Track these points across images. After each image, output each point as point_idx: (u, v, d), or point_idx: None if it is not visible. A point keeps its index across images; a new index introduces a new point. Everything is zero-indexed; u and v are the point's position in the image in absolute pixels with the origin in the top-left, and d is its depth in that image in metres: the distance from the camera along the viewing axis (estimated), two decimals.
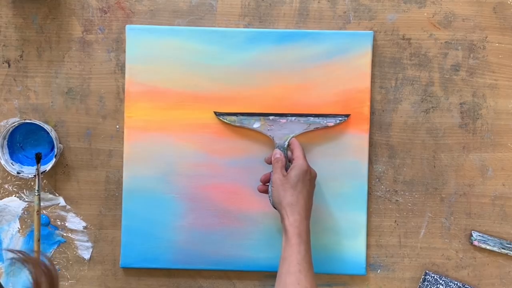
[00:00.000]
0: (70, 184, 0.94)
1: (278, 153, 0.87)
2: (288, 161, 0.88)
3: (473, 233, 0.93)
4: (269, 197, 0.87)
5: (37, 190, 0.86)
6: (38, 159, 0.87)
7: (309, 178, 0.84)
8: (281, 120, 0.90)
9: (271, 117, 0.90)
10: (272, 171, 0.87)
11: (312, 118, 0.90)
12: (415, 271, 0.94)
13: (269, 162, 0.89)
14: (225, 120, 0.90)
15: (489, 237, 0.93)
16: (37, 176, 0.87)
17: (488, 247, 0.93)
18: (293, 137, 0.89)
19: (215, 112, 0.91)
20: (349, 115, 0.91)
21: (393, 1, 0.93)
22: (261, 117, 0.90)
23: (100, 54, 0.93)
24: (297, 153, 0.86)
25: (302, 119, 0.90)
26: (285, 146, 0.89)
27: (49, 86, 0.93)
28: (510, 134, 0.93)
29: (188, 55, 0.91)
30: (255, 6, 0.93)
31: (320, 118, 0.90)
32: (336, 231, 0.91)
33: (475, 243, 0.93)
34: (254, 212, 0.92)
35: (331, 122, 0.90)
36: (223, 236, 0.92)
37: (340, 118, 0.90)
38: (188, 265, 0.92)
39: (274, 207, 0.85)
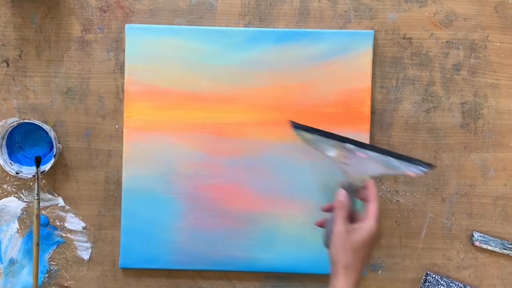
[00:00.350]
0: (69, 184, 0.93)
1: (342, 196, 0.76)
2: (355, 196, 0.78)
3: (474, 234, 0.92)
4: (324, 236, 0.79)
5: (37, 194, 0.86)
6: (38, 162, 0.86)
7: (375, 244, 0.76)
8: (360, 154, 0.80)
9: (347, 145, 0.80)
10: (333, 216, 0.77)
11: (393, 160, 0.79)
12: (416, 272, 0.94)
13: (327, 210, 0.80)
14: (299, 136, 0.83)
15: (490, 238, 0.92)
16: (36, 180, 0.86)
17: (489, 248, 0.92)
18: (368, 178, 0.78)
19: (291, 122, 0.84)
20: (433, 166, 0.79)
21: (394, 0, 0.93)
22: (338, 143, 0.81)
23: (100, 53, 0.93)
24: (372, 211, 0.75)
25: (382, 158, 0.79)
26: (358, 186, 0.78)
27: (48, 85, 0.93)
28: (511, 134, 0.93)
29: (187, 55, 0.91)
30: (255, 5, 0.92)
31: (403, 163, 0.79)
32: None
33: (476, 243, 0.92)
34: (254, 212, 0.91)
35: (413, 171, 0.78)
36: (223, 237, 0.91)
37: (424, 169, 0.78)
38: (188, 266, 0.92)
39: (326, 248, 0.78)
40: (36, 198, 0.86)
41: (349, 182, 0.79)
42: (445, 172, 0.93)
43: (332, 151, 0.80)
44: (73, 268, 0.94)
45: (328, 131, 0.83)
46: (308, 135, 0.82)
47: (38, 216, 0.86)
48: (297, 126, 0.84)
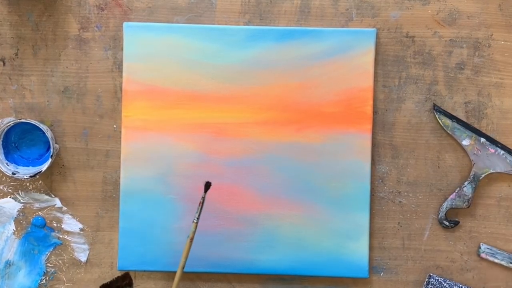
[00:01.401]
0: (66, 185, 0.93)
1: None
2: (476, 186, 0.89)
3: (481, 246, 0.91)
4: None
5: (197, 218, 0.83)
6: (207, 187, 0.84)
7: None
8: (490, 149, 0.89)
9: (482, 139, 0.89)
10: None
11: None
12: (419, 274, 0.93)
13: None
14: (439, 120, 0.89)
15: (497, 251, 0.91)
16: (200, 204, 0.83)
17: (496, 261, 0.91)
18: (492, 173, 0.89)
19: (434, 104, 0.90)
20: None
21: None
22: (474, 135, 0.89)
23: (97, 52, 0.92)
24: None
25: (510, 157, 0.89)
26: (478, 179, 0.89)
27: (45, 84, 0.92)
28: None
29: (187, 53, 0.90)
30: (256, 3, 0.92)
31: None
32: (338, 233, 0.90)
33: (483, 255, 0.91)
34: (254, 213, 0.91)
35: None
36: (222, 238, 0.91)
37: None
38: (186, 268, 0.89)
39: None
40: (195, 221, 0.83)
41: (474, 171, 0.88)
42: (449, 173, 0.92)
43: (467, 140, 0.88)
44: (70, 271, 0.93)
45: (466, 122, 0.90)
46: (448, 121, 0.89)
47: (192, 238, 0.83)
48: (438, 110, 0.89)
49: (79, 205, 0.93)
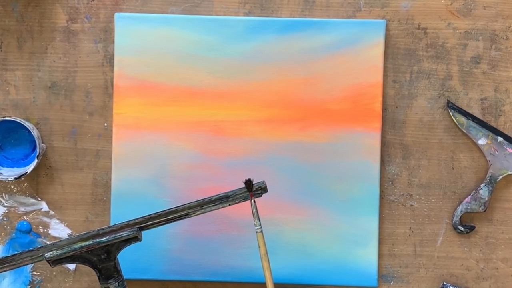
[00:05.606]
0: (53, 187, 0.91)
1: None
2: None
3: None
4: None
5: (259, 226, 0.77)
6: (249, 186, 0.77)
7: None
8: (508, 149, 0.87)
9: (499, 139, 0.87)
10: None
11: None
12: (431, 283, 0.91)
13: None
14: (453, 117, 0.87)
15: None
16: (254, 209, 0.77)
17: None
18: (510, 174, 0.87)
19: (448, 101, 0.88)
20: None
21: None
22: (491, 134, 0.87)
23: (87, 45, 0.90)
24: None
25: None
26: (495, 181, 0.87)
27: (30, 80, 0.91)
28: None
29: (183, 46, 0.89)
30: None
31: None
32: (345, 238, 0.89)
33: None
34: None
35: None
36: (221, 244, 0.89)
37: None
38: (183, 276, 0.90)
39: None
40: (258, 231, 0.77)
41: (491, 173, 0.87)
42: (463, 174, 0.90)
43: (483, 140, 0.87)
44: (57, 279, 0.91)
45: (482, 119, 0.88)
46: (463, 119, 0.87)
47: (265, 254, 0.78)
48: (453, 107, 0.87)
49: (67, 209, 0.91)
